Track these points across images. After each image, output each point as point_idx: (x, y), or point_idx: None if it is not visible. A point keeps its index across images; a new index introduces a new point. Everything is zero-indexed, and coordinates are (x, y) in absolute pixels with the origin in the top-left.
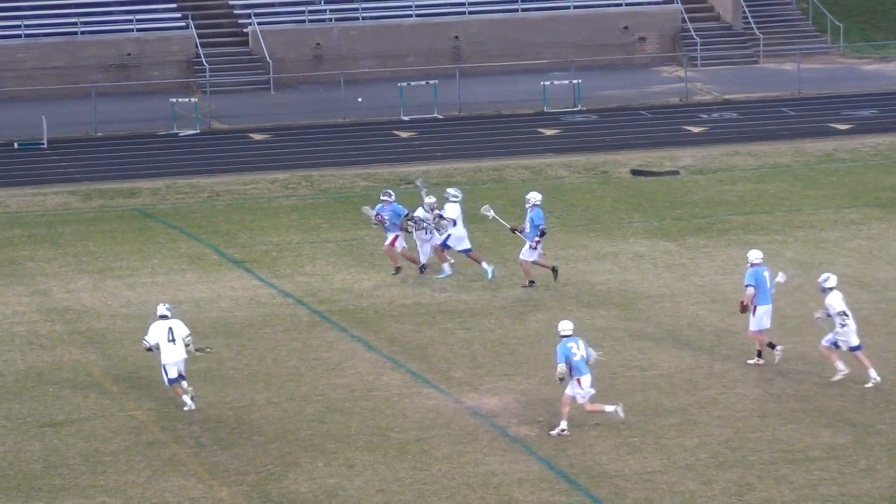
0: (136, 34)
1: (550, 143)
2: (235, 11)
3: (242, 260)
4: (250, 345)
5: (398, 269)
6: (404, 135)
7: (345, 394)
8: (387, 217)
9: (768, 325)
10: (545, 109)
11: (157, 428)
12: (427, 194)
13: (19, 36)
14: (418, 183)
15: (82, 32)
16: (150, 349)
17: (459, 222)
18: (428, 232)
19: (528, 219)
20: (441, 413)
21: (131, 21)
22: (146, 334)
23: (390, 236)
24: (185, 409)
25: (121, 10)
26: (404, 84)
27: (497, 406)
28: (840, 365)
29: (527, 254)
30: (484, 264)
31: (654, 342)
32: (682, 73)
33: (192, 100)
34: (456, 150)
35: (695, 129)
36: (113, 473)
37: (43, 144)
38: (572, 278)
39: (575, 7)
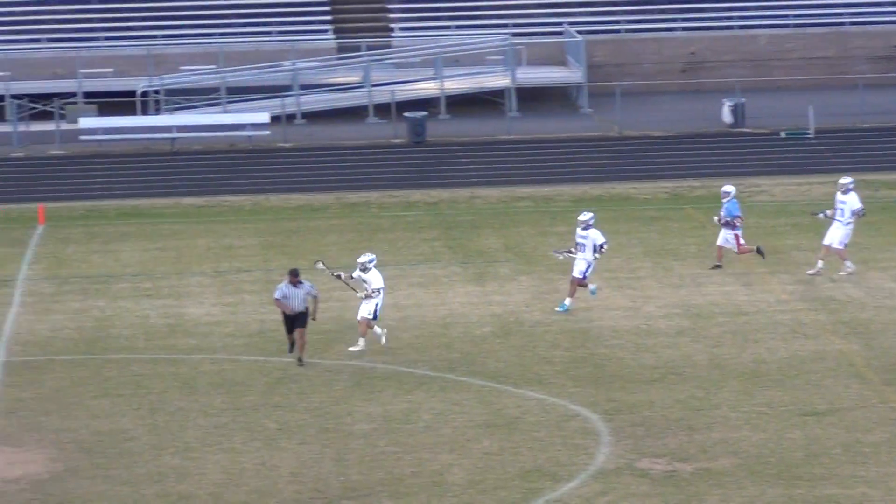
0: None
1: None
2: None
3: None
4: None
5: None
6: None
7: None
8: (723, 214)
9: None
10: None
11: None
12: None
13: (787, 26)
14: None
15: (850, 23)
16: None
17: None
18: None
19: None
20: None
21: None
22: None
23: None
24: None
25: (888, 1)
26: None
27: None
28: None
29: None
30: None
31: None
32: None
33: None
34: None
35: None
36: (873, 465)
37: (809, 134)
38: None
39: None
